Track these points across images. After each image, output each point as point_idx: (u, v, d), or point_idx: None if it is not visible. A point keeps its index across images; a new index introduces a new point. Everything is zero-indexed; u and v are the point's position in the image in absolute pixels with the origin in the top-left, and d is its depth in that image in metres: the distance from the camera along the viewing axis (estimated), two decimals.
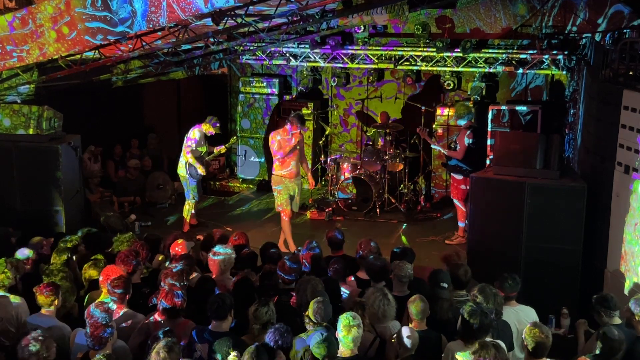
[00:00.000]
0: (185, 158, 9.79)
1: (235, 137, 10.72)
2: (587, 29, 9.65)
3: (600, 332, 4.82)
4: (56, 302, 5.35)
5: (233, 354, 4.46)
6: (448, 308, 5.42)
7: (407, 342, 4.75)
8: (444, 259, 6.60)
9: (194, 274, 6.51)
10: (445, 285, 5.60)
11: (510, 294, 5.58)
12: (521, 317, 5.54)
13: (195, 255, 6.90)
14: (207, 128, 9.85)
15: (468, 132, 9.44)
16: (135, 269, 6.04)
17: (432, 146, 9.99)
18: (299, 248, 7.23)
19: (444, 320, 5.33)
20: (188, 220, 10.09)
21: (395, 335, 4.90)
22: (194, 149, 9.75)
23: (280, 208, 9.28)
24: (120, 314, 5.40)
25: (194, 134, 9.81)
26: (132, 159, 11.64)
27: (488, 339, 4.69)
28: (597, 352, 4.76)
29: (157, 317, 5.22)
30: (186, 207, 10.05)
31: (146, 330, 5.20)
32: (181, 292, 5.21)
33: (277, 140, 9.02)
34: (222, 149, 10.25)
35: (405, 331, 4.81)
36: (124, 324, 5.32)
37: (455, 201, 9.76)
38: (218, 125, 9.93)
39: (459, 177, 9.58)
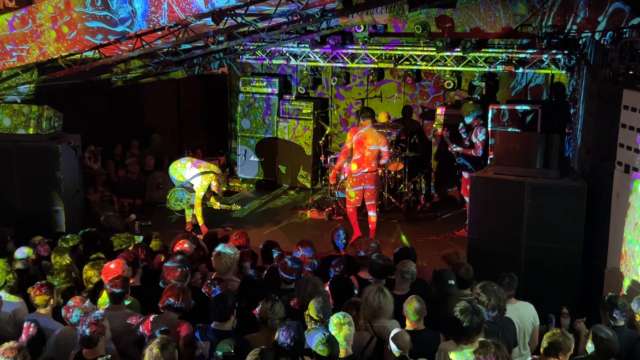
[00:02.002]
0: (183, 178, 9.84)
1: (237, 207, 10.75)
2: (587, 28, 9.65)
3: (592, 332, 4.82)
4: (52, 301, 5.36)
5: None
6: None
7: (393, 346, 4.74)
8: (445, 259, 6.60)
9: (197, 274, 6.53)
10: (453, 282, 5.60)
11: (509, 292, 5.60)
12: (522, 314, 5.58)
13: (197, 255, 6.91)
14: (216, 185, 9.85)
15: (478, 128, 9.53)
16: (135, 272, 6.04)
17: (455, 149, 9.97)
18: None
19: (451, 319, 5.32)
20: (189, 220, 10.09)
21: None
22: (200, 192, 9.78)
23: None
24: (119, 313, 5.40)
25: (208, 180, 9.75)
26: (130, 158, 11.65)
27: (481, 338, 4.69)
28: (591, 352, 4.76)
29: (154, 316, 5.23)
30: (194, 207, 10.07)
31: (142, 330, 5.21)
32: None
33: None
34: (216, 205, 10.21)
35: (395, 334, 4.80)
36: (122, 324, 5.32)
37: (467, 199, 9.77)
38: (224, 189, 10.03)
39: (467, 175, 9.63)
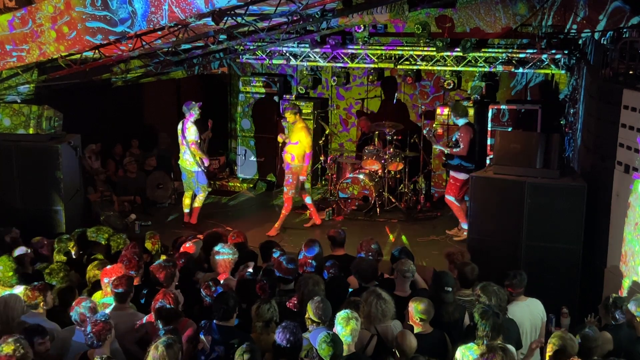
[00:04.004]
0: (198, 154, 9.94)
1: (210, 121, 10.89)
2: (587, 27, 9.64)
3: (580, 334, 4.84)
4: (42, 303, 5.34)
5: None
6: (454, 310, 5.41)
7: (406, 346, 4.73)
8: (448, 256, 6.59)
9: (199, 274, 6.53)
10: (450, 289, 5.61)
11: (518, 290, 5.65)
12: (533, 310, 5.64)
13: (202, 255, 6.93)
14: (197, 117, 9.98)
15: (467, 128, 9.49)
16: (137, 272, 6.05)
17: (435, 146, 9.95)
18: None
19: (450, 322, 5.32)
20: (187, 211, 10.30)
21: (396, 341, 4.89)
22: (199, 143, 9.90)
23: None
24: (124, 313, 5.40)
25: (193, 127, 9.89)
26: (129, 157, 11.65)
27: (500, 340, 4.68)
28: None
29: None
30: (200, 197, 10.21)
31: (146, 328, 5.22)
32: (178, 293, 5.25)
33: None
34: (208, 133, 10.46)
35: (401, 338, 4.80)
36: (125, 323, 5.32)
37: (452, 199, 9.72)
38: (199, 106, 10.03)
39: (461, 176, 9.55)
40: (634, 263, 6.49)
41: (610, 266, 6.89)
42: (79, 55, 8.21)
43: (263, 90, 12.43)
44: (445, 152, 9.82)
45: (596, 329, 5.01)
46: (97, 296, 5.77)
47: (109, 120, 11.69)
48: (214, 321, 4.98)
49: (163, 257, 6.92)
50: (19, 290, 5.71)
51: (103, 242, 7.07)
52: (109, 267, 5.90)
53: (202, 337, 4.93)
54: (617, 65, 7.10)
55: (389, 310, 5.14)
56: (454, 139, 9.76)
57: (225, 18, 7.43)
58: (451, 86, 11.39)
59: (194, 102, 9.98)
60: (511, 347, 4.76)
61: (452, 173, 9.79)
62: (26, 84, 9.06)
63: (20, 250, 6.59)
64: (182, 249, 6.75)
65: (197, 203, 10.25)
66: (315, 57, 11.75)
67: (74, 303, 5.19)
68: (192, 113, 9.92)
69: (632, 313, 5.31)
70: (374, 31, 11.46)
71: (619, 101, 6.63)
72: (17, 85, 9.03)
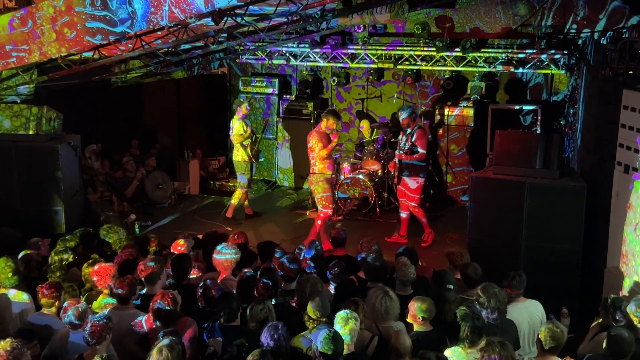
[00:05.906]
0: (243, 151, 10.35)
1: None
2: (587, 27, 9.63)
3: (611, 333, 4.84)
4: (57, 303, 5.36)
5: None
6: (456, 308, 5.41)
7: (400, 346, 4.74)
8: (448, 257, 6.59)
9: (199, 273, 6.54)
10: (452, 287, 5.60)
11: (518, 291, 5.66)
12: (532, 312, 5.64)
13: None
14: (244, 112, 10.32)
15: (418, 131, 9.32)
16: (134, 272, 6.05)
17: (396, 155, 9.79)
18: (301, 246, 7.22)
19: (453, 321, 5.32)
20: (230, 205, 10.54)
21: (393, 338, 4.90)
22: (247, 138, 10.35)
23: (325, 210, 9.26)
24: (126, 313, 5.40)
25: (237, 122, 10.30)
26: (127, 157, 11.65)
27: (484, 340, 4.69)
28: (606, 352, 4.78)
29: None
30: (235, 194, 10.48)
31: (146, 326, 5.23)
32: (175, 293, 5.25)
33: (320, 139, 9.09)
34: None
35: (396, 336, 4.81)
36: (126, 324, 5.32)
37: (413, 203, 9.56)
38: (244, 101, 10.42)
39: (422, 177, 9.45)
40: (634, 263, 6.49)
41: (610, 266, 6.89)
42: (79, 56, 8.20)
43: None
44: (403, 161, 9.53)
45: (627, 330, 4.97)
46: (100, 297, 5.77)
47: (109, 120, 11.69)
48: (217, 323, 4.98)
49: None
50: (13, 292, 5.70)
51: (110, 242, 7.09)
52: (102, 265, 5.88)
53: (205, 339, 4.92)
54: (617, 65, 7.09)
55: (393, 309, 5.15)
56: (409, 143, 9.43)
57: (225, 18, 7.42)
58: (451, 86, 11.39)
59: (240, 99, 10.34)
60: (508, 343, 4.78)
61: (405, 178, 9.53)
62: (26, 84, 9.05)
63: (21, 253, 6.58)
64: (172, 249, 6.76)
65: (233, 199, 10.41)
66: (315, 57, 11.75)
67: (67, 305, 5.19)
68: (239, 109, 10.26)
69: (632, 314, 5.30)
70: (373, 31, 11.46)
71: (619, 101, 6.63)
72: (17, 85, 9.02)
